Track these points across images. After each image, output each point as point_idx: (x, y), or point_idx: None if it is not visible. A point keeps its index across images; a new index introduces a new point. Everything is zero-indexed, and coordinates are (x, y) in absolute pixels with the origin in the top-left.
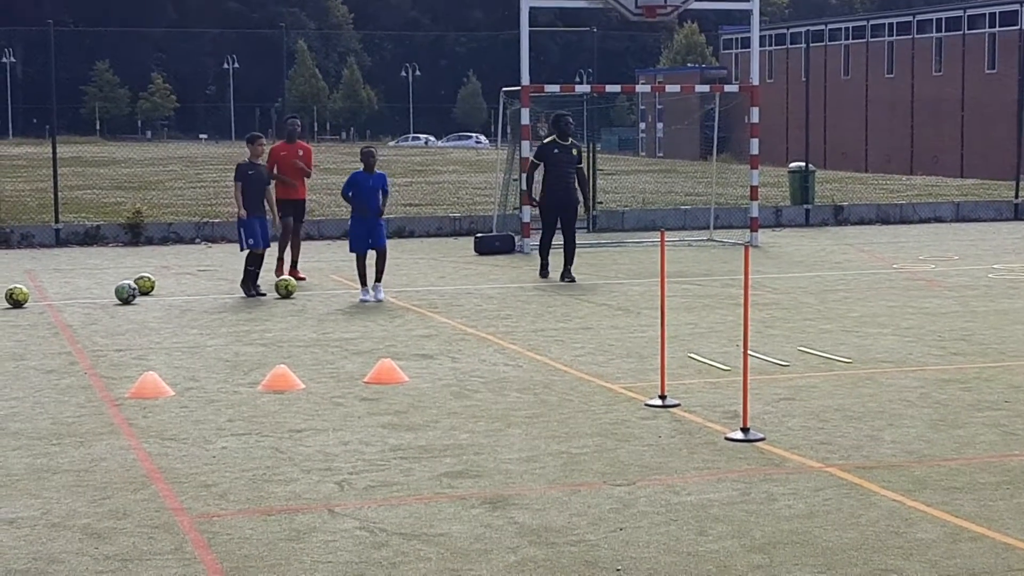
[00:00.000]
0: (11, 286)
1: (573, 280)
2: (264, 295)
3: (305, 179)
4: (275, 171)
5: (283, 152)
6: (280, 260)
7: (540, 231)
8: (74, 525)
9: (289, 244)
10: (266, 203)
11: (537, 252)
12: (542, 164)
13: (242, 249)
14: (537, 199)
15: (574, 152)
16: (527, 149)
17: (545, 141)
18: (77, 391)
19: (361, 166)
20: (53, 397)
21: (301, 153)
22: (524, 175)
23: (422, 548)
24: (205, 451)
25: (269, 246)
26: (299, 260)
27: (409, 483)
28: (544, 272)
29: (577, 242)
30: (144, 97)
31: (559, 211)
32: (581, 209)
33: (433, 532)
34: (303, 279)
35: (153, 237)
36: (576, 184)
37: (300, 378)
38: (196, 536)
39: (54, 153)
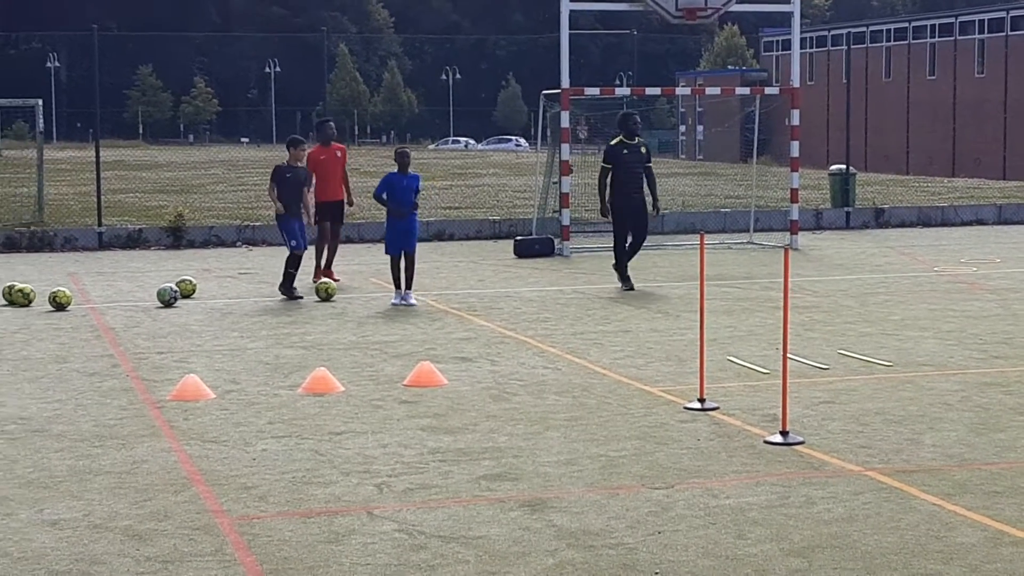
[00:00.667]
0: (54, 289)
1: (631, 288)
2: (301, 297)
3: (345, 181)
4: (313, 177)
5: (322, 156)
6: (318, 264)
7: (575, 233)
8: (115, 527)
9: (327, 246)
10: (303, 206)
11: (569, 254)
12: (612, 167)
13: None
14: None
15: (643, 151)
16: (567, 152)
17: (612, 143)
18: (119, 393)
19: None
20: (95, 399)
21: (339, 155)
22: (553, 180)
23: (460, 551)
24: (245, 453)
25: (307, 248)
26: (334, 261)
27: (448, 486)
28: (627, 283)
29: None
30: (187, 101)
31: (630, 216)
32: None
33: (471, 535)
34: (337, 280)
35: (195, 240)
36: (645, 185)
37: (340, 381)
38: (236, 538)
39: (97, 157)
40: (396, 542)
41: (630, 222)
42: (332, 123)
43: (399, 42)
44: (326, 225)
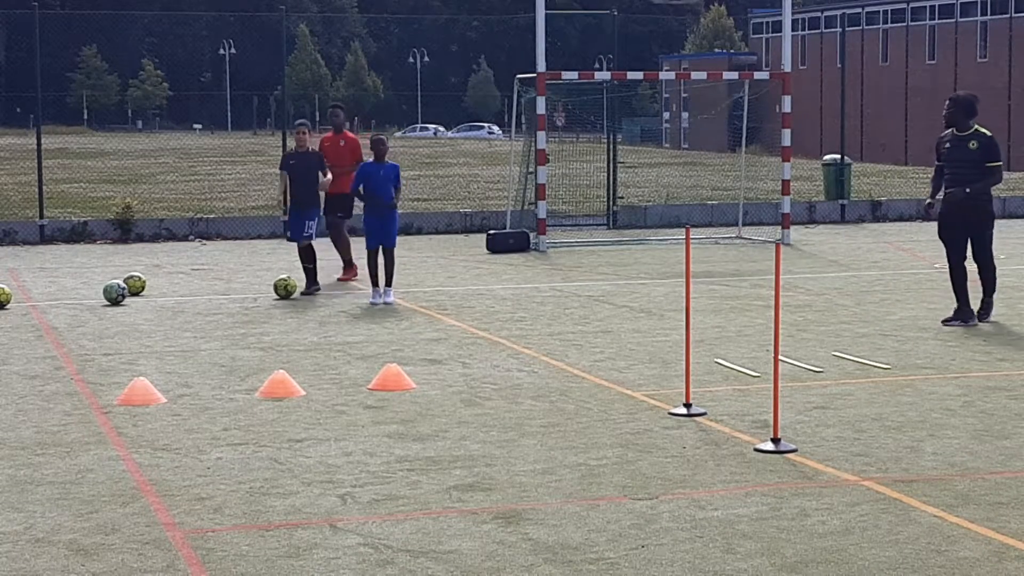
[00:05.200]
0: None
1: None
2: (319, 288)
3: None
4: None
5: (327, 143)
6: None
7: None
8: (59, 541)
9: (338, 243)
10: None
11: (545, 249)
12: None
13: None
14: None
15: (971, 146)
16: (543, 140)
17: (944, 133)
18: (63, 398)
19: (371, 157)
20: (37, 404)
21: (343, 144)
22: (528, 170)
23: (430, 566)
24: (199, 462)
25: (311, 239)
26: (352, 259)
27: (416, 497)
28: (967, 315)
29: (597, 239)
30: (135, 84)
31: (946, 226)
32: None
33: (442, 549)
34: (348, 280)
35: (144, 234)
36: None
37: (300, 384)
38: (189, 553)
39: (39, 144)
40: (361, 557)
41: (946, 233)
42: (341, 109)
43: (363, 22)
44: (334, 218)
